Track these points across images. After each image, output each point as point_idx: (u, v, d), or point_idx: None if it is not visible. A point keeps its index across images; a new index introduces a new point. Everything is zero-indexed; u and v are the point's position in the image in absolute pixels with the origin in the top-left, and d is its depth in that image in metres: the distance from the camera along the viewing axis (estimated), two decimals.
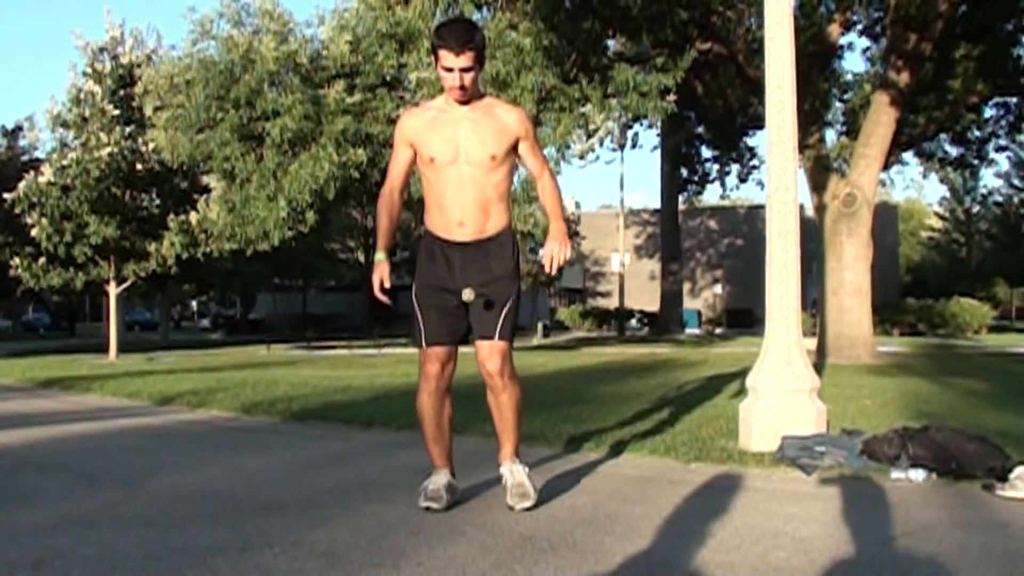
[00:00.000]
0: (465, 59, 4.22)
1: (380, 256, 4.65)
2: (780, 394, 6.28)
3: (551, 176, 4.68)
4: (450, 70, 4.24)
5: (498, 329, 4.50)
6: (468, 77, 4.27)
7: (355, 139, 21.10)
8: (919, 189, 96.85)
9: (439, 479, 4.59)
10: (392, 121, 21.50)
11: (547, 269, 4.45)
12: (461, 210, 4.43)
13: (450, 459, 4.72)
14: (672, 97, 18.14)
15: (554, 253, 4.37)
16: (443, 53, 4.22)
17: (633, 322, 48.46)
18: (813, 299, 24.74)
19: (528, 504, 4.41)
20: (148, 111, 23.25)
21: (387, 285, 4.58)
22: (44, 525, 4.23)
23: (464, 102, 4.38)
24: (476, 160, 4.39)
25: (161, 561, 3.60)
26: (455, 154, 4.38)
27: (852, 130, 27.55)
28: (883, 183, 33.13)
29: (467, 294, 4.38)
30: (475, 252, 4.48)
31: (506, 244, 4.56)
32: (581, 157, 21.35)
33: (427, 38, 19.34)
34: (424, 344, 4.59)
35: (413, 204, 26.43)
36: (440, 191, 4.48)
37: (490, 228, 4.49)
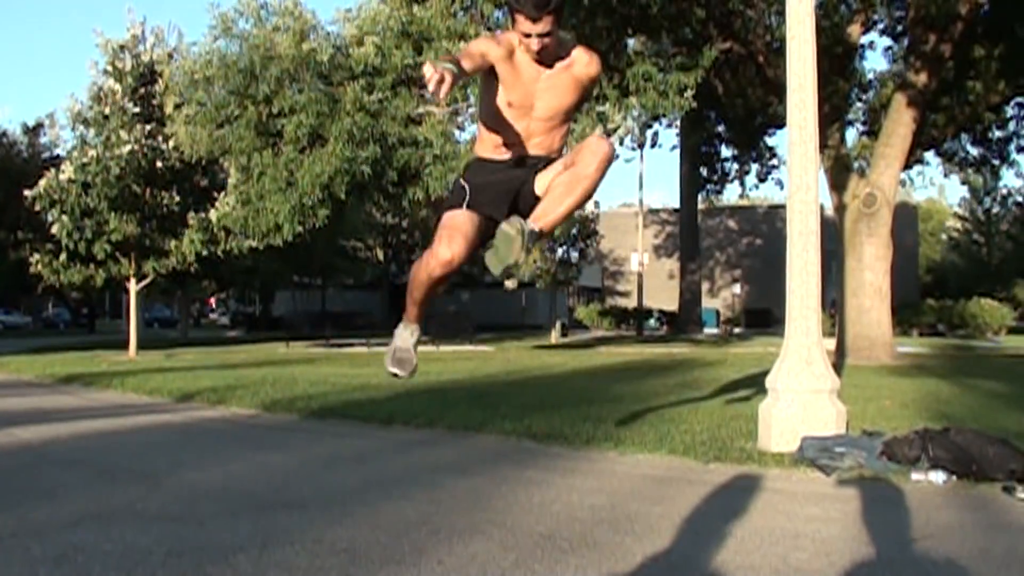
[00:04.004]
0: (543, 24, 3.92)
1: (451, 66, 3.86)
2: (800, 395, 6.27)
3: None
4: (527, 35, 3.97)
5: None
6: (547, 41, 3.98)
7: (367, 136, 21.10)
8: (939, 189, 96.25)
9: (411, 336, 4.48)
10: (411, 120, 21.54)
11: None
12: (524, 144, 4.25)
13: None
14: (690, 94, 18.09)
15: None
16: (519, 18, 3.95)
17: (652, 321, 48.33)
18: (832, 299, 24.66)
19: (528, 236, 3.92)
20: (169, 108, 23.32)
21: (447, 88, 3.76)
22: (66, 521, 4.25)
23: (547, 64, 4.13)
24: (547, 116, 4.21)
25: (182, 557, 3.62)
26: (529, 108, 4.18)
27: (873, 130, 27.42)
28: (903, 183, 32.91)
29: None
30: (532, 159, 4.26)
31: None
32: None
33: (445, 38, 19.38)
34: (462, 204, 4.22)
35: (431, 203, 26.51)
36: (504, 133, 4.24)
37: (551, 150, 4.31)
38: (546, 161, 4.26)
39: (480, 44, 4.20)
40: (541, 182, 4.20)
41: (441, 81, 3.71)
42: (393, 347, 4.47)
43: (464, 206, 4.18)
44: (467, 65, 4.04)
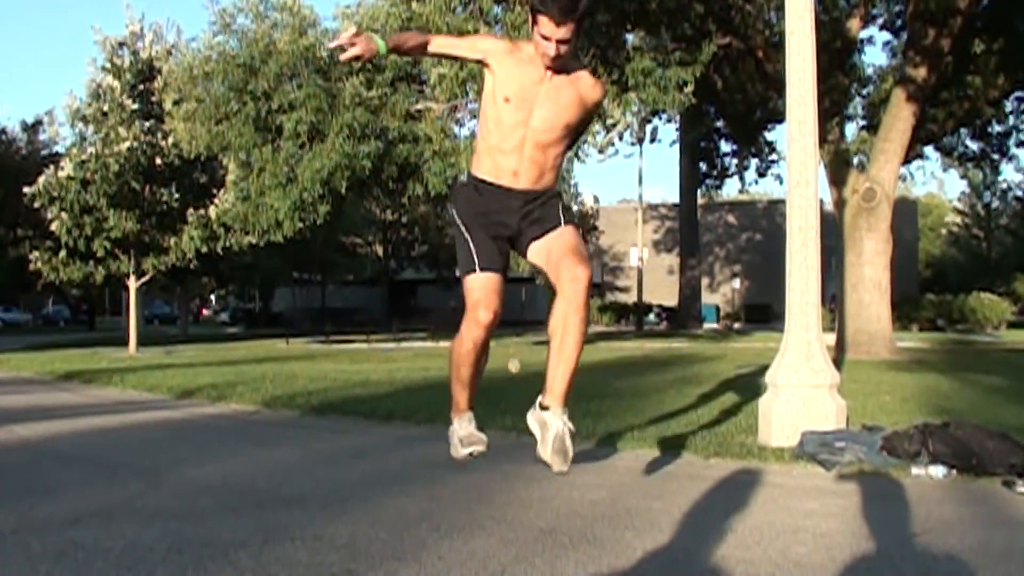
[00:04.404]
0: (565, 30, 3.89)
1: (381, 44, 4.13)
2: (800, 390, 6.27)
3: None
4: (547, 39, 3.91)
5: (562, 215, 4.25)
6: (564, 48, 3.94)
7: (367, 132, 21.11)
8: (939, 184, 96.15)
9: (469, 424, 4.29)
10: (410, 116, 21.55)
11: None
12: (518, 163, 4.16)
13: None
14: (690, 89, 18.08)
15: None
16: (542, 19, 3.88)
17: (651, 317, 48.34)
18: (832, 294, 24.67)
19: (564, 468, 3.92)
20: (168, 105, 23.31)
21: (364, 56, 4.09)
22: (66, 518, 4.26)
23: (555, 71, 4.09)
24: (546, 128, 4.12)
25: (183, 554, 3.62)
26: (526, 115, 4.10)
27: (872, 124, 27.42)
28: (903, 178, 32.91)
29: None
30: (524, 195, 4.20)
31: (554, 196, 4.31)
32: (600, 151, 21.26)
33: (445, 34, 19.33)
34: (477, 267, 4.14)
35: (431, 199, 26.51)
36: (499, 142, 4.17)
37: (543, 184, 4.24)
38: (540, 202, 4.25)
39: (484, 38, 4.28)
40: (535, 251, 4.23)
41: (352, 47, 4.03)
42: (455, 441, 4.30)
43: (479, 270, 4.13)
44: (441, 46, 4.29)
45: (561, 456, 3.91)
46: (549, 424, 3.99)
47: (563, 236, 4.16)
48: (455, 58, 4.37)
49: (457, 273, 4.26)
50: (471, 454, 4.15)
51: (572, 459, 3.97)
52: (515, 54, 4.14)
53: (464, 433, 4.20)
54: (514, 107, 4.12)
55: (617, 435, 6.67)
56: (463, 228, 4.23)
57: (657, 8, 18.34)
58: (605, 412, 8.03)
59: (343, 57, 4.14)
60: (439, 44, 4.35)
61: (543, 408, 4.08)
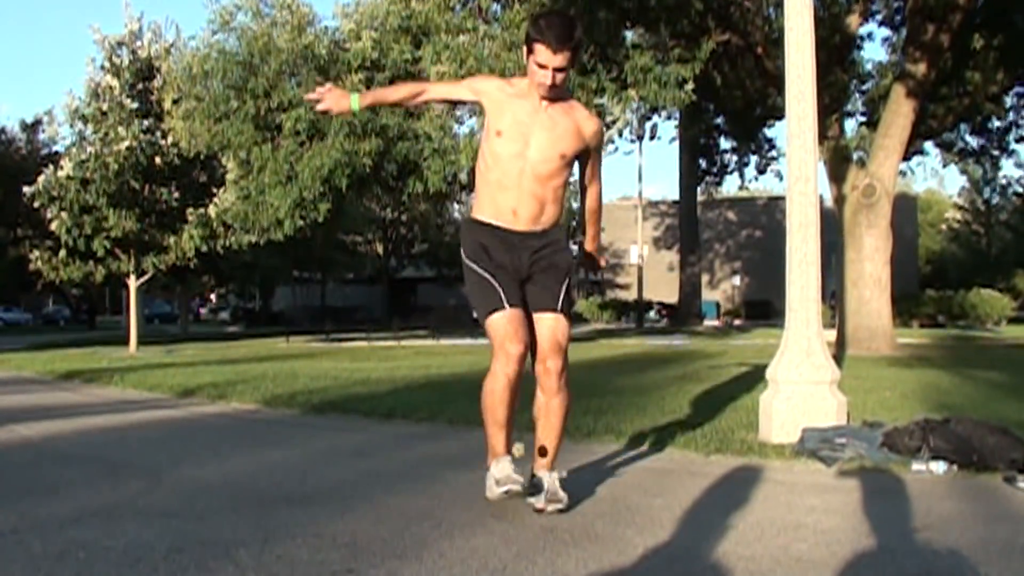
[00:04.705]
0: (562, 58, 3.98)
1: (354, 99, 4.47)
2: (800, 386, 6.27)
3: (600, 186, 4.54)
4: (543, 67, 4.00)
5: (560, 301, 4.30)
6: (560, 77, 4.04)
7: (367, 130, 21.10)
8: (939, 180, 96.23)
9: (508, 465, 4.17)
10: (410, 114, 21.54)
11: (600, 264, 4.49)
12: (518, 199, 4.21)
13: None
14: (690, 86, 18.08)
15: (597, 260, 4.42)
16: (539, 48, 3.98)
17: (652, 314, 48.32)
18: (832, 291, 24.69)
19: (560, 507, 4.19)
20: (167, 104, 23.32)
21: (333, 110, 4.50)
22: (67, 517, 4.25)
23: (550, 100, 4.17)
24: (543, 158, 4.17)
25: (184, 553, 3.62)
26: (523, 146, 4.16)
27: (872, 120, 27.42)
28: (903, 174, 32.93)
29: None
30: (527, 238, 4.26)
31: (558, 238, 4.39)
32: None
33: (444, 32, 19.34)
34: (498, 304, 4.16)
35: (430, 197, 26.52)
36: (499, 177, 4.23)
37: (543, 222, 4.29)
38: (549, 251, 4.32)
39: (479, 79, 4.55)
40: (535, 318, 4.30)
41: (330, 106, 4.43)
42: (491, 483, 4.28)
43: (501, 306, 4.17)
44: (439, 92, 4.60)
45: (554, 502, 4.20)
46: (539, 484, 4.26)
47: (552, 327, 4.27)
48: (454, 102, 4.53)
49: (475, 316, 4.32)
50: (506, 492, 4.13)
51: (569, 499, 4.25)
52: (508, 90, 4.24)
53: (501, 475, 4.18)
54: (509, 139, 4.18)
55: (618, 432, 6.67)
56: (476, 268, 4.27)
57: (656, 5, 18.36)
58: (606, 409, 8.02)
59: (317, 108, 4.45)
60: (437, 92, 4.57)
61: (533, 476, 4.31)
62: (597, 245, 4.53)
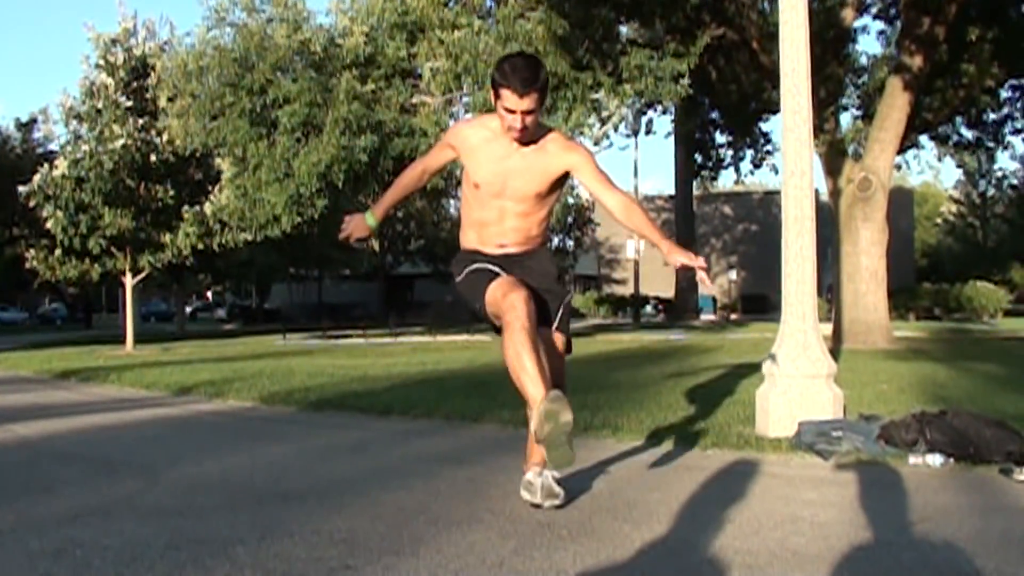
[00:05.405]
0: (529, 101, 3.96)
1: (370, 219, 4.57)
2: (797, 380, 6.27)
3: (631, 199, 4.24)
4: (512, 111, 3.99)
5: (557, 320, 4.32)
6: (530, 119, 4.02)
7: (363, 126, 21.08)
8: (935, 173, 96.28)
9: (553, 402, 3.69)
10: (405, 110, 21.52)
11: (706, 285, 4.25)
12: (501, 234, 4.31)
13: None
14: (686, 80, 18.08)
15: (693, 263, 4.06)
16: (505, 93, 3.96)
17: (648, 308, 48.36)
18: (828, 284, 24.68)
19: (557, 502, 4.24)
20: (162, 101, 23.27)
21: (353, 237, 4.56)
22: (64, 515, 4.26)
23: (522, 143, 4.17)
24: (521, 197, 4.22)
25: (181, 550, 3.62)
26: (501, 188, 4.22)
27: (867, 114, 27.41)
28: (898, 167, 32.87)
29: None
30: (516, 257, 4.33)
31: (545, 252, 4.46)
32: (596, 143, 21.31)
33: (439, 28, 19.33)
34: (490, 276, 4.15)
35: (427, 193, 26.52)
36: (480, 215, 4.32)
37: (530, 244, 4.37)
38: (527, 256, 4.35)
39: (451, 134, 4.45)
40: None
41: (352, 234, 4.53)
42: (533, 484, 4.30)
43: (500, 274, 4.18)
44: (429, 167, 4.52)
45: (551, 498, 4.24)
46: (534, 481, 4.29)
47: (548, 338, 4.24)
48: (444, 166, 4.51)
49: (476, 307, 4.27)
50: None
51: (566, 494, 4.30)
52: (482, 133, 4.25)
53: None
54: (487, 188, 4.24)
55: (615, 427, 6.67)
56: (466, 269, 4.31)
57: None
58: (602, 404, 8.03)
59: (341, 236, 4.58)
60: (429, 162, 4.59)
61: (526, 475, 4.37)
62: (670, 243, 4.16)
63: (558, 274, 4.49)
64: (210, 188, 24.89)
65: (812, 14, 7.92)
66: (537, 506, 4.23)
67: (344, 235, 4.55)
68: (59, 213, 23.24)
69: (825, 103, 19.47)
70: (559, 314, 4.33)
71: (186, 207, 24.52)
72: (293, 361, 16.16)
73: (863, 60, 29.44)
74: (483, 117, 4.32)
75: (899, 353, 15.58)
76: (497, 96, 4.01)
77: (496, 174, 4.20)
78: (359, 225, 4.55)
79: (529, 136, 4.13)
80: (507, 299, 3.96)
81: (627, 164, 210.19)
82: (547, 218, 4.41)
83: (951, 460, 5.15)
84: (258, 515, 4.23)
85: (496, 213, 4.27)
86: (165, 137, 23.75)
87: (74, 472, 5.65)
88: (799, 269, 6.48)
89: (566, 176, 4.28)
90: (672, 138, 39.11)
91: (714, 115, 30.39)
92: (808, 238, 6.49)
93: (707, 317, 45.51)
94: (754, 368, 8.97)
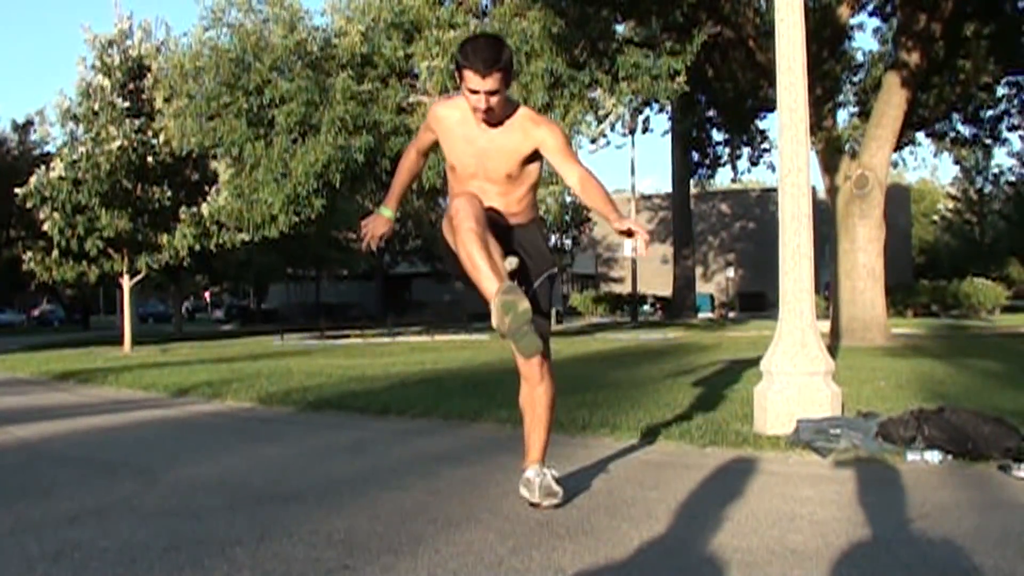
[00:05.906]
0: (492, 81, 3.96)
1: (386, 212, 4.63)
2: (795, 377, 6.27)
3: (590, 175, 4.16)
4: (475, 92, 3.99)
5: (536, 285, 4.32)
6: (495, 99, 4.02)
7: (360, 125, 21.07)
8: (932, 170, 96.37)
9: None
10: (402, 109, 21.51)
11: (643, 252, 4.02)
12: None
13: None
14: (682, 78, 18.09)
15: (638, 230, 3.92)
16: (468, 74, 3.97)
17: (646, 307, 48.36)
18: (826, 282, 24.70)
19: (555, 501, 4.22)
20: (159, 102, 23.26)
21: (375, 244, 4.58)
22: (63, 517, 4.25)
23: (491, 124, 4.17)
24: (495, 178, 4.23)
25: (180, 552, 3.62)
26: (476, 169, 4.23)
27: (864, 111, 27.44)
28: (895, 164, 32.93)
29: (510, 262, 4.15)
30: (503, 230, 4.29)
31: (534, 228, 4.43)
32: (592, 142, 21.30)
33: (435, 27, 19.33)
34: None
35: (424, 193, 26.49)
36: (463, 191, 4.25)
37: (518, 219, 4.35)
38: (513, 229, 4.34)
39: (430, 117, 4.42)
40: None
41: (373, 234, 4.55)
42: (532, 482, 4.29)
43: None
44: (420, 150, 4.58)
45: (550, 497, 4.22)
46: (533, 479, 4.26)
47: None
48: (432, 144, 4.49)
49: (455, 274, 4.26)
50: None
51: (563, 492, 4.27)
52: (454, 119, 4.27)
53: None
54: (463, 169, 4.28)
55: (613, 425, 6.67)
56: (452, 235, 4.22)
57: None
58: (601, 402, 8.03)
59: (368, 241, 4.60)
60: (419, 148, 4.59)
61: (524, 472, 4.35)
62: (618, 215, 4.03)
63: (547, 246, 4.51)
64: (207, 189, 24.88)
65: (808, 11, 7.93)
66: (535, 505, 4.23)
67: (366, 239, 4.58)
68: (56, 215, 23.23)
69: (822, 100, 19.47)
70: (539, 280, 4.34)
71: (183, 208, 24.51)
72: (291, 361, 16.15)
73: (860, 57, 29.50)
74: (459, 97, 4.28)
75: (897, 350, 15.59)
76: (461, 78, 4.03)
77: (468, 155, 4.24)
78: (378, 223, 4.59)
79: (496, 117, 4.14)
80: (457, 212, 3.98)
81: (624, 162, 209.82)
82: (528, 194, 4.37)
83: (949, 457, 5.15)
84: (256, 516, 4.23)
85: (477, 190, 4.24)
86: (162, 138, 23.74)
87: (72, 474, 5.65)
88: (796, 266, 6.47)
89: (537, 153, 4.25)
90: (669, 136, 39.14)
91: (711, 113, 30.45)
92: (805, 235, 6.48)
93: (705, 315, 45.52)
94: (752, 365, 8.97)
